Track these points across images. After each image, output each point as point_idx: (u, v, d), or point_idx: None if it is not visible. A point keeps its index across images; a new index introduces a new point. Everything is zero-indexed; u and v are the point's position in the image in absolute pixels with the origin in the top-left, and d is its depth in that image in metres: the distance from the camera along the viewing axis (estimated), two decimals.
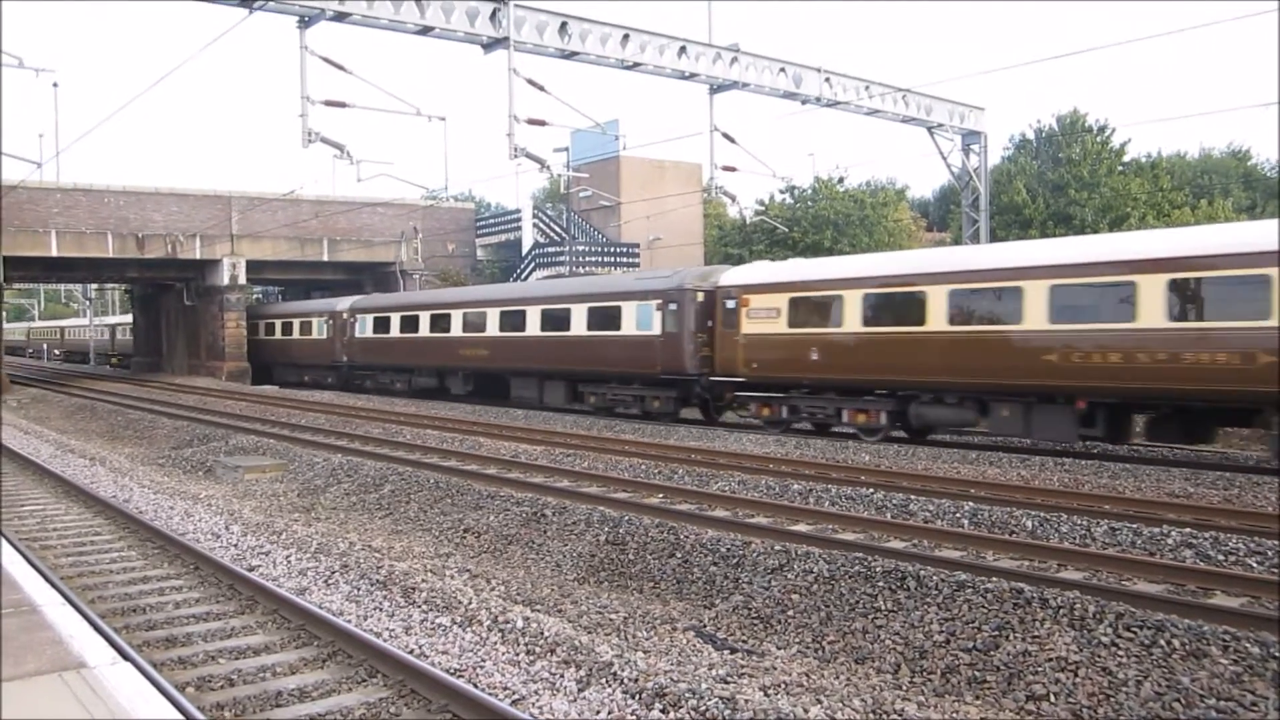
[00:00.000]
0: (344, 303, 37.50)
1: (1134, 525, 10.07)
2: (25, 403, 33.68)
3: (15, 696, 4.26)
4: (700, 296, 22.09)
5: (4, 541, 7.90)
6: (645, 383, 23.56)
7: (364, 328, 35.36)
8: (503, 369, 28.45)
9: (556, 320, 26.12)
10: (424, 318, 32.10)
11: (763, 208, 48.39)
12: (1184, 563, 8.85)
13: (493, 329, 28.51)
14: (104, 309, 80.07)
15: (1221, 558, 8.98)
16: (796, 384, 19.98)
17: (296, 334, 40.68)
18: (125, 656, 5.45)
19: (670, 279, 23.22)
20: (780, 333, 19.97)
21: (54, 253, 39.35)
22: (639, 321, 23.25)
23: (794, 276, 20.61)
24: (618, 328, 23.88)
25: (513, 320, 27.73)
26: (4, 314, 41.92)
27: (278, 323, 43.07)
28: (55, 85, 48.88)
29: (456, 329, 30.24)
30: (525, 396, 27.38)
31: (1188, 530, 9.77)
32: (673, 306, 22.36)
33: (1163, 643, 6.85)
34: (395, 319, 33.78)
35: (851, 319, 18.72)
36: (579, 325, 25.20)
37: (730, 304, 21.05)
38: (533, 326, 26.88)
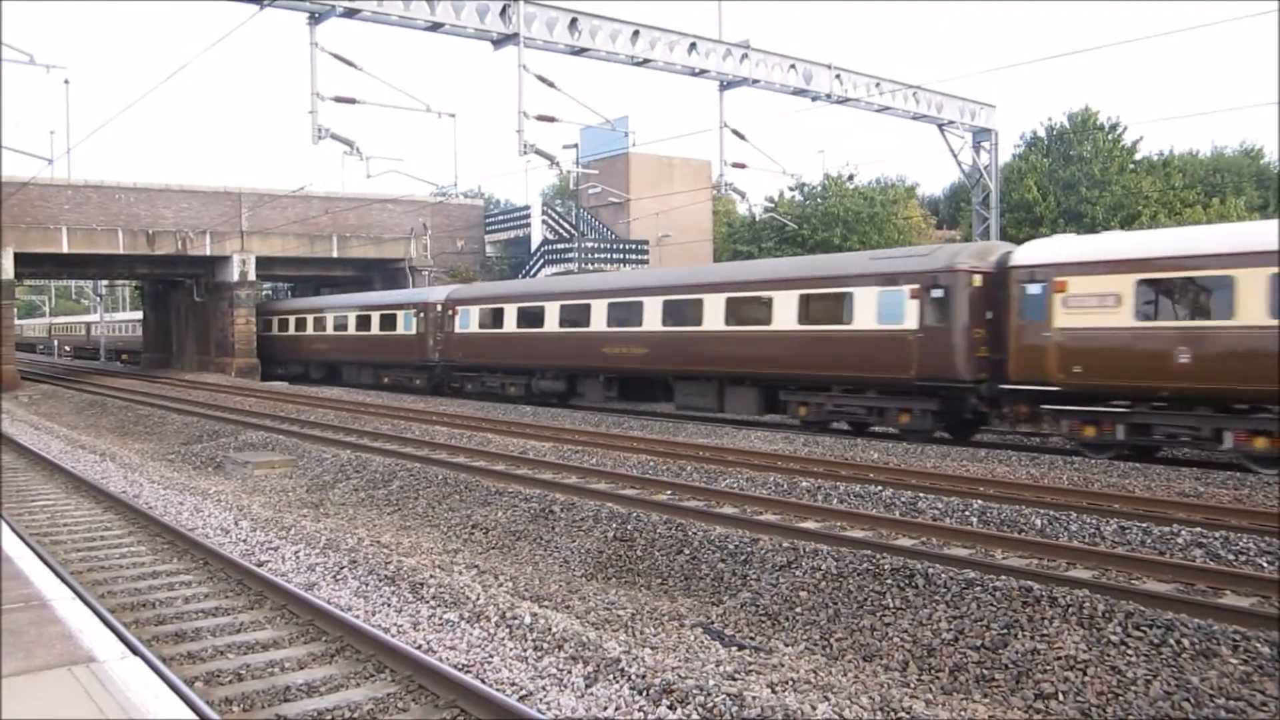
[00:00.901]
0: (437, 293, 33.07)
1: (1144, 524, 10.03)
2: (35, 398, 33.82)
3: (25, 690, 4.27)
4: (977, 280, 17.76)
5: (17, 537, 7.93)
6: (888, 390, 19.00)
7: (466, 322, 30.32)
8: (665, 371, 23.57)
9: (750, 311, 21.49)
10: (551, 309, 27.23)
11: (772, 205, 48.35)
12: (1194, 562, 8.81)
13: (653, 323, 23.70)
14: (114, 306, 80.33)
15: (1232, 557, 8.94)
16: (1148, 394, 15.57)
17: (375, 329, 35.65)
18: (135, 651, 5.46)
19: (931, 257, 18.61)
20: (1124, 327, 15.43)
21: (65, 249, 39.52)
22: (882, 312, 18.74)
23: (1149, 251, 15.65)
24: (846, 320, 19.37)
25: (683, 311, 22.99)
26: (15, 310, 42.02)
27: (336, 316, 38.82)
28: (66, 82, 48.73)
29: (599, 323, 25.41)
30: (696, 404, 23.13)
31: (1198, 529, 9.74)
32: (937, 293, 17.87)
33: (1172, 642, 6.83)
34: (510, 311, 28.77)
35: (1253, 307, 14.07)
36: (785, 318, 20.50)
37: (1034, 289, 16.51)
38: (713, 319, 22.06)
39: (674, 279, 25.10)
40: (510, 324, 28.69)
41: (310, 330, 40.27)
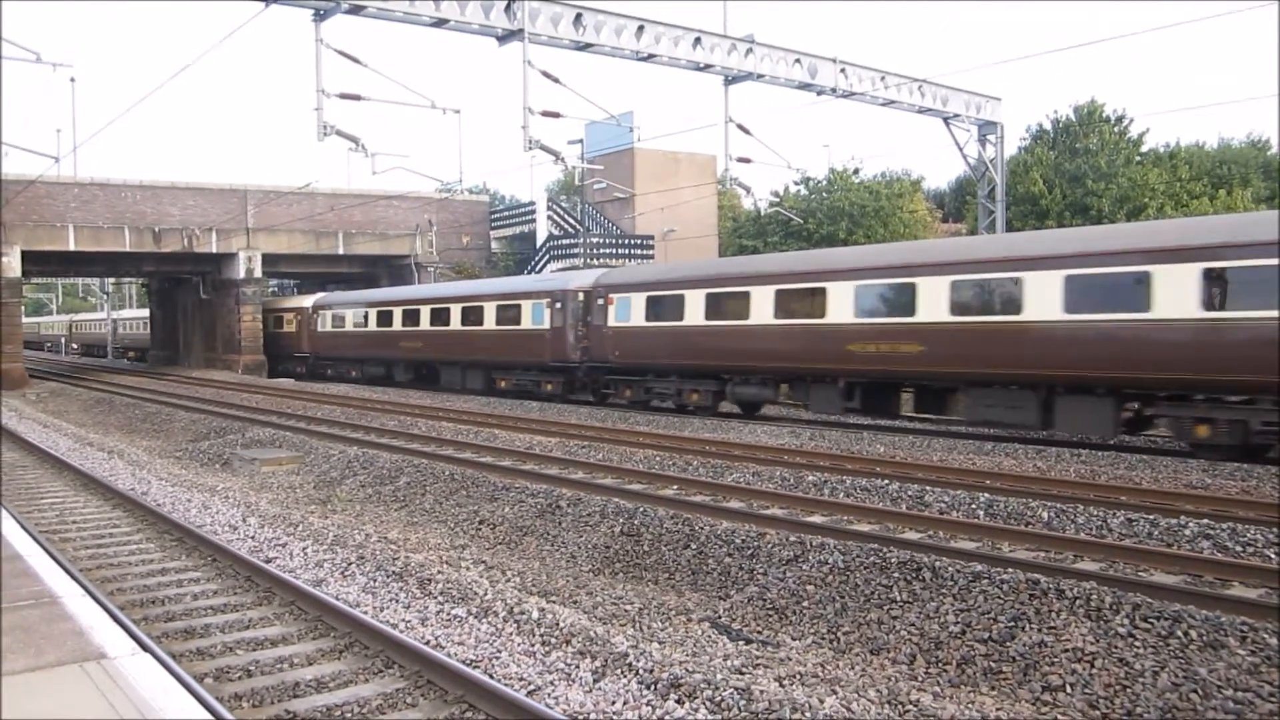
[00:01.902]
0: (579, 278, 27.44)
1: (1151, 516, 10.02)
2: (43, 396, 33.94)
3: (38, 686, 4.30)
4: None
5: (26, 534, 7.97)
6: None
7: (625, 313, 24.57)
8: (951, 374, 17.96)
9: (1117, 293, 15.33)
10: (761, 296, 21.28)
11: (778, 199, 48.26)
12: (1201, 554, 8.80)
13: (933, 311, 17.83)
14: (121, 304, 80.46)
15: (1239, 549, 8.93)
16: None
17: (489, 323, 29.51)
18: (145, 647, 5.50)
19: None
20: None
21: (71, 247, 39.63)
22: None
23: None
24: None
25: (989, 295, 17.25)
26: (22, 309, 42.11)
27: (433, 309, 32.60)
28: (72, 80, 49.16)
29: (840, 313, 19.47)
30: (1001, 419, 17.48)
31: (1205, 521, 9.72)
32: None
33: (1180, 634, 6.82)
34: (694, 299, 22.70)
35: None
36: (1176, 303, 14.57)
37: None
38: (1042, 305, 16.18)
39: (976, 251, 18.53)
40: (694, 315, 22.71)
41: (398, 325, 34.11)
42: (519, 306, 28.31)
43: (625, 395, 25.33)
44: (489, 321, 29.54)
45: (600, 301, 25.33)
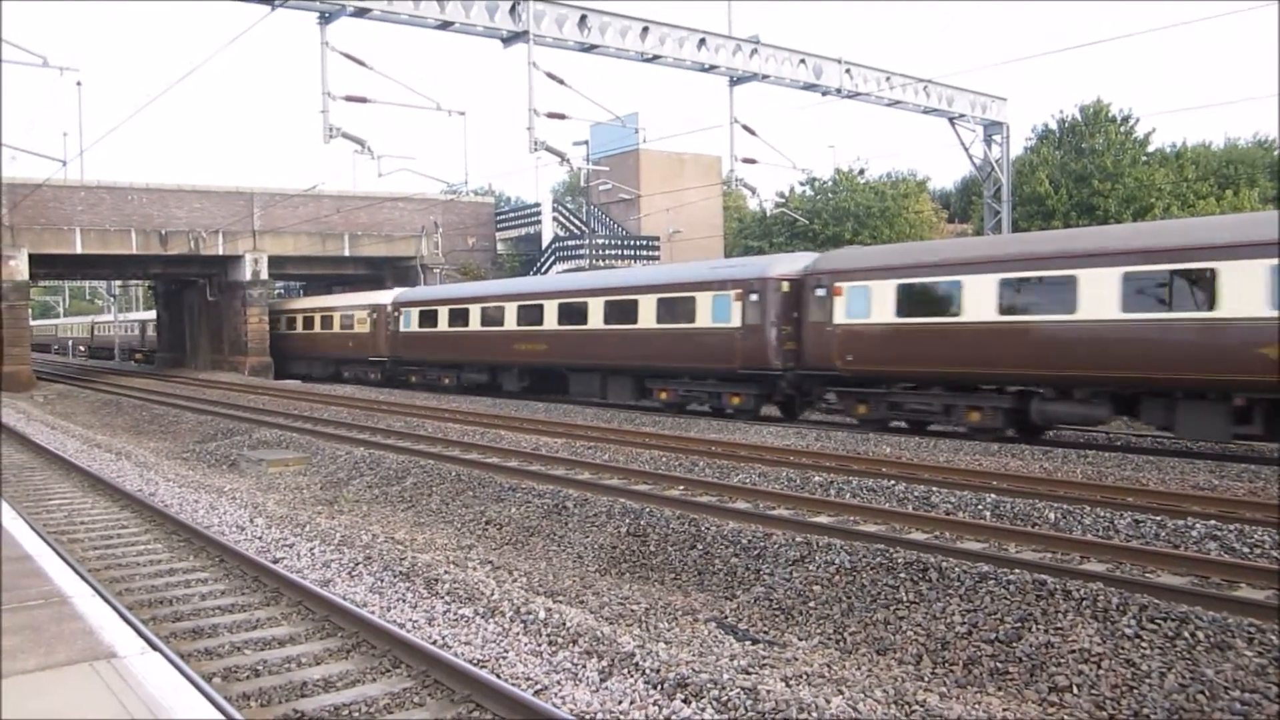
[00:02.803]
0: (781, 263, 22.11)
1: (1158, 517, 10.00)
2: (51, 398, 34.04)
3: (49, 685, 4.33)
4: None
5: (35, 534, 8.00)
6: None
7: (864, 306, 19.35)
8: None
9: None
10: (1090, 282, 15.85)
11: (783, 200, 48.25)
12: (1208, 555, 8.78)
13: None
14: (128, 305, 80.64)
15: (1247, 550, 8.92)
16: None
17: (645, 320, 24.12)
18: (154, 647, 5.52)
19: None
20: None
21: (78, 250, 39.74)
22: None
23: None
24: None
25: None
26: (30, 311, 42.25)
27: (564, 304, 27.19)
28: (79, 84, 49.16)
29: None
30: None
31: (1213, 522, 9.71)
32: None
33: (1187, 635, 6.81)
34: (982, 287, 17.42)
35: None
36: None
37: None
38: None
39: None
40: (980, 307, 17.45)
41: (511, 324, 28.95)
42: (692, 300, 22.87)
43: (857, 412, 19.99)
44: (646, 318, 24.00)
45: (820, 292, 20.12)
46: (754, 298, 21.37)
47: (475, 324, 30.88)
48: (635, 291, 24.87)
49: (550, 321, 27.45)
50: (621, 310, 25.07)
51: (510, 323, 29.17)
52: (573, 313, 26.67)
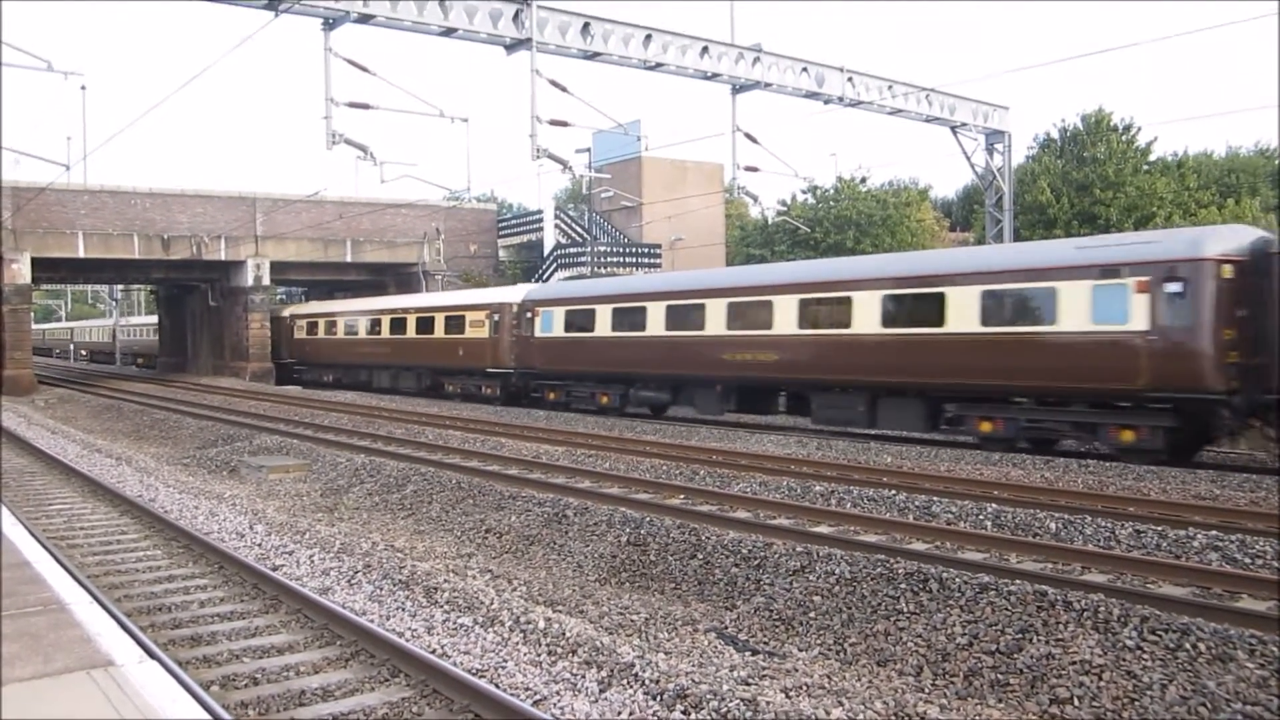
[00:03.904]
0: (1215, 239, 15.45)
1: (1159, 528, 9.98)
2: (51, 403, 34.06)
3: (46, 693, 4.31)
4: None
5: (35, 540, 7.99)
6: None
7: None
8: None
9: None
10: None
11: (785, 208, 48.30)
12: (1210, 566, 8.76)
13: None
14: (129, 310, 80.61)
15: (1249, 561, 8.89)
16: None
17: (953, 323, 17.79)
18: (152, 655, 5.51)
19: None
20: None
21: (81, 254, 39.82)
22: None
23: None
24: None
25: None
26: (32, 315, 42.28)
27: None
28: (83, 88, 49.34)
29: None
30: None
31: (1214, 533, 9.68)
32: None
33: (1188, 646, 6.79)
34: None
35: None
36: None
37: None
38: None
39: None
40: None
41: (715, 328, 22.52)
42: (1049, 293, 16.50)
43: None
44: (959, 320, 17.67)
45: (1234, 282, 14.80)
46: (1176, 290, 15.03)
47: (657, 327, 23.98)
48: (938, 282, 18.31)
49: (785, 323, 20.90)
50: (911, 309, 18.67)
51: (716, 325, 22.46)
52: (826, 312, 20.24)
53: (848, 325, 19.54)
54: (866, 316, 19.22)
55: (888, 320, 18.85)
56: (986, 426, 17.44)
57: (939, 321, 17.86)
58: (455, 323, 32.21)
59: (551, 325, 27.53)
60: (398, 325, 35.68)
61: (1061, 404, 16.69)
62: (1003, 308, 17.07)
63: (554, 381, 27.75)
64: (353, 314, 39.27)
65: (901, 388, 18.78)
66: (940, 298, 17.94)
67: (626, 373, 25.11)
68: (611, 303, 25.71)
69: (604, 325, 25.71)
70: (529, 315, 28.36)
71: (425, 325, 33.99)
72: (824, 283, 20.50)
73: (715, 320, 22.50)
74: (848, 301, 19.58)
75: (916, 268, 19.52)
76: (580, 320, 26.63)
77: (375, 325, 37.11)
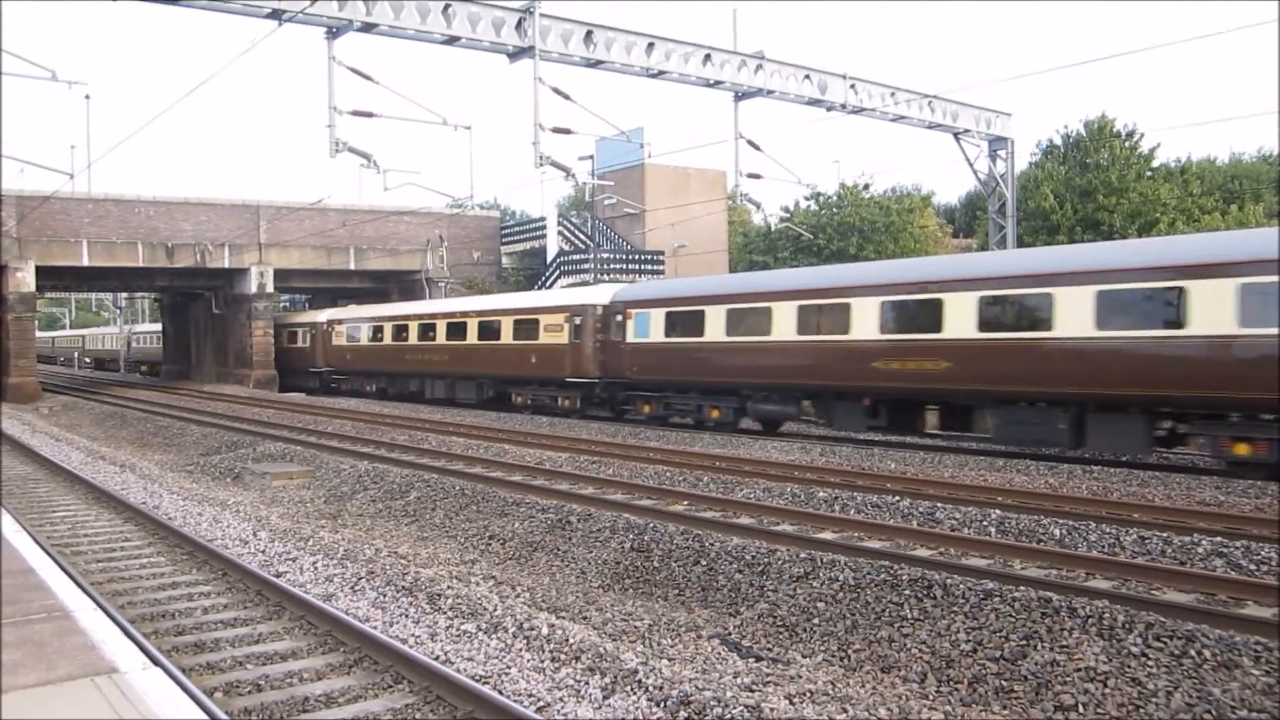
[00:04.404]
0: None
1: (1164, 534, 9.96)
2: (56, 410, 34.11)
3: (50, 701, 4.31)
4: None
5: (39, 547, 8.00)
6: None
7: None
8: None
9: None
10: None
11: (788, 215, 48.31)
12: (1215, 572, 8.74)
13: None
14: (133, 318, 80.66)
15: (1253, 567, 8.87)
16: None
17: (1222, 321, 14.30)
18: (155, 662, 5.51)
19: None
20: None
21: (85, 262, 39.91)
22: None
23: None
24: None
25: None
26: (36, 323, 42.34)
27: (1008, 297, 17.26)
28: (87, 98, 49.47)
29: None
30: None
31: (1219, 539, 9.66)
32: None
33: (1193, 653, 6.78)
34: None
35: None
36: None
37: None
38: None
39: None
40: None
41: (864, 331, 19.26)
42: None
43: None
44: (1203, 321, 14.56)
45: None
46: None
47: (786, 331, 20.84)
48: (1180, 274, 14.95)
49: (960, 326, 17.61)
50: (1145, 307, 15.38)
51: (865, 328, 19.22)
52: (1014, 313, 17.10)
53: (1048, 328, 16.29)
54: (1075, 316, 15.86)
55: (1103, 321, 15.52)
56: (1243, 449, 14.51)
57: (1179, 322, 14.73)
58: (526, 327, 28.88)
59: (648, 329, 24.45)
60: (456, 330, 32.41)
61: None
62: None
63: (649, 393, 24.84)
64: (403, 318, 36.04)
65: (1118, 401, 15.64)
66: (1180, 293, 14.71)
67: (743, 383, 22.17)
68: (725, 303, 22.49)
69: (715, 329, 22.55)
70: (618, 318, 25.32)
71: (489, 330, 30.63)
72: (1013, 277, 17.25)
73: (865, 323, 19.27)
74: (1048, 299, 16.33)
75: (1144, 257, 15.90)
76: (684, 323, 23.49)
77: (429, 330, 33.91)
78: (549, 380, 27.88)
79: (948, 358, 17.76)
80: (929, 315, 18.19)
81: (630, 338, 24.84)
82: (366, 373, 38.66)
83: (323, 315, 42.47)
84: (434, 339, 33.48)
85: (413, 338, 34.80)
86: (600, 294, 26.90)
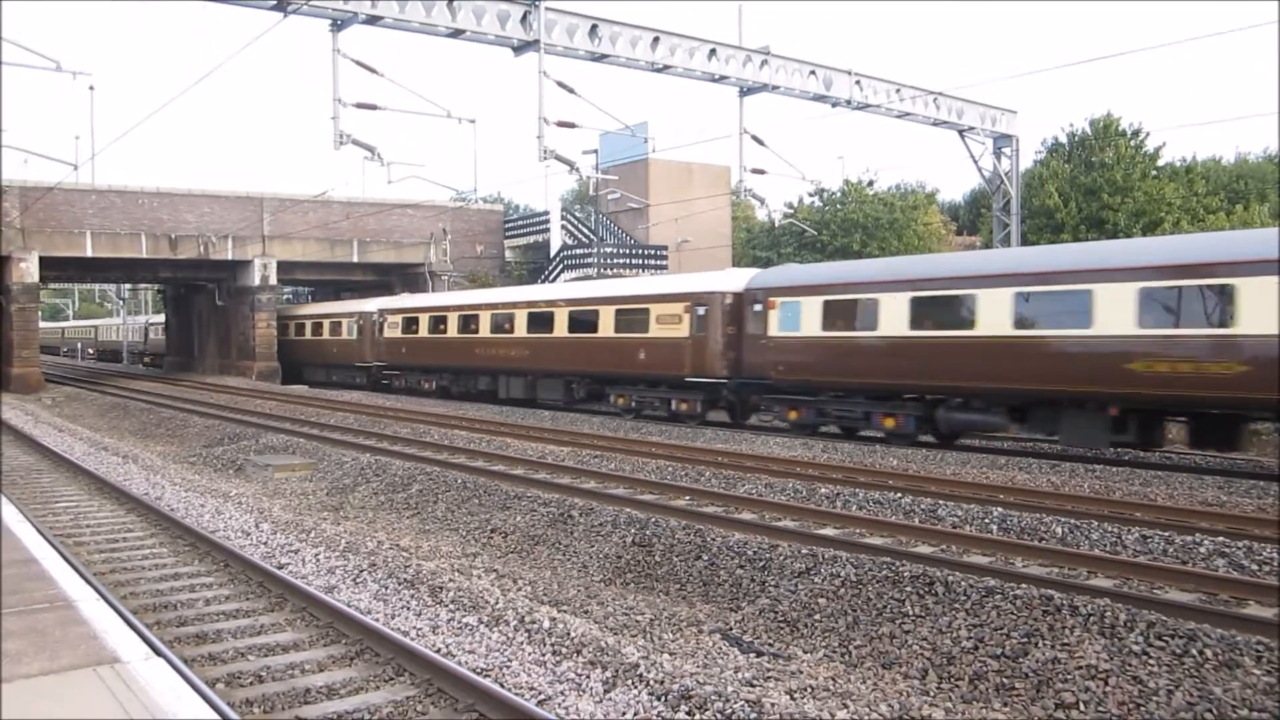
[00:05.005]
0: None
1: (1166, 533, 9.96)
2: (59, 400, 34.15)
3: (53, 690, 4.32)
4: None
5: (41, 538, 8.01)
6: None
7: None
8: None
9: None
10: None
11: (791, 210, 48.26)
12: (1217, 571, 8.74)
13: None
14: (137, 309, 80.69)
15: (1255, 567, 8.87)
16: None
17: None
18: (158, 652, 5.52)
19: None
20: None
21: (89, 253, 39.96)
22: None
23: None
24: None
25: None
26: (39, 314, 42.35)
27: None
28: (91, 89, 49.64)
29: None
30: None
31: (1221, 539, 9.66)
32: None
33: (1195, 652, 6.77)
34: None
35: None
36: None
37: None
38: None
39: None
40: None
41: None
42: None
43: None
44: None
45: None
46: None
47: (997, 324, 17.09)
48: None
49: (1261, 319, 13.78)
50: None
51: (1113, 321, 15.45)
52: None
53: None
54: None
55: None
56: None
57: None
58: (633, 318, 24.92)
59: (798, 321, 20.66)
60: (540, 321, 28.26)
61: None
62: None
63: (798, 396, 21.06)
64: (472, 308, 31.96)
65: None
66: None
67: (933, 386, 18.44)
68: (908, 289, 18.72)
69: (894, 321, 18.76)
70: (758, 307, 21.57)
71: (584, 322, 26.65)
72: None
73: (1112, 314, 15.45)
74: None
75: None
76: (849, 313, 19.78)
77: (506, 321, 29.79)
78: (661, 380, 24.20)
79: (1241, 357, 14.02)
80: (1215, 305, 14.44)
81: (775, 331, 21.08)
82: (425, 368, 34.83)
83: (372, 304, 38.62)
84: (511, 331, 29.46)
85: (484, 329, 30.75)
86: (731, 280, 23.03)
